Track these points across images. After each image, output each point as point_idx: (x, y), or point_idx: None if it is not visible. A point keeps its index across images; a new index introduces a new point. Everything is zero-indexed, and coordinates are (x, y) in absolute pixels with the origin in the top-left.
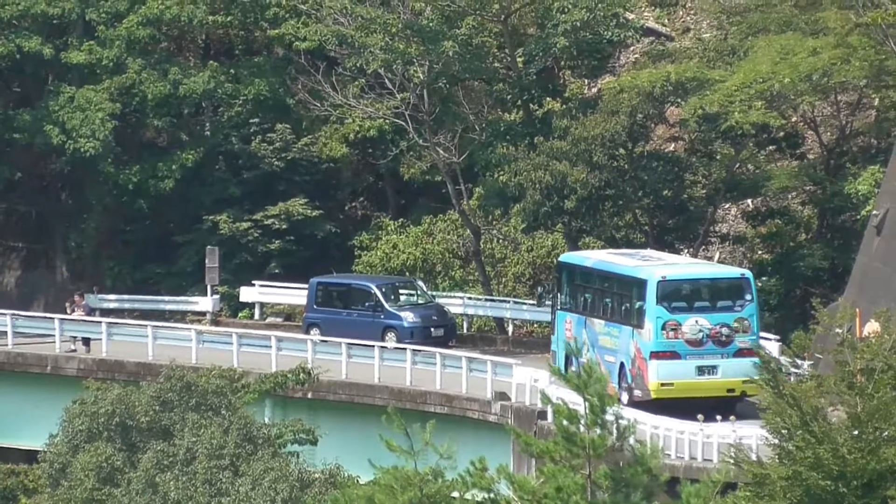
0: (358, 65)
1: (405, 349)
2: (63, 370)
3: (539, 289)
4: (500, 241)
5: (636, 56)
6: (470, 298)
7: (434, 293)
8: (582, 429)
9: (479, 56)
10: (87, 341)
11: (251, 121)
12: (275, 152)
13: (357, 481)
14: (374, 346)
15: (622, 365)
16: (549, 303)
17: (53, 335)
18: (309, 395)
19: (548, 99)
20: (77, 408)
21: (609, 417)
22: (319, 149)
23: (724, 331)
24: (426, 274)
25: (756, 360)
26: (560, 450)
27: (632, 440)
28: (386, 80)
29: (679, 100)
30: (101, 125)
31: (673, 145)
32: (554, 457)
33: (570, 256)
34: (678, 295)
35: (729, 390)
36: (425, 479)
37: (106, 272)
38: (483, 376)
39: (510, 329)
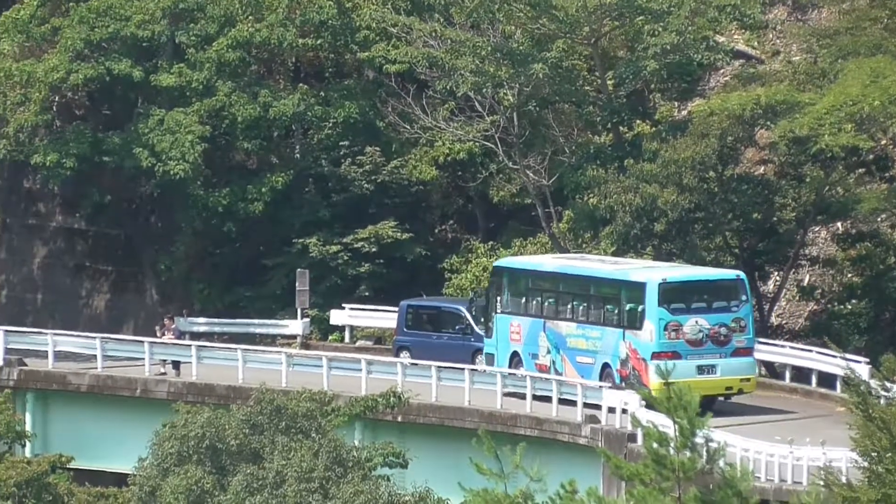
0: (448, 87)
1: (496, 372)
2: (153, 393)
3: (474, 294)
4: None
5: (726, 79)
6: None
7: None
8: (672, 451)
9: (569, 79)
10: (176, 365)
11: (341, 143)
12: (364, 175)
13: None
14: (464, 369)
15: (605, 366)
16: (477, 306)
17: (143, 358)
18: (399, 419)
19: (637, 122)
20: (167, 431)
21: (699, 440)
22: (409, 171)
23: (723, 331)
24: None
25: (751, 358)
26: (650, 472)
27: (722, 463)
28: (476, 103)
29: (769, 122)
30: (190, 147)
31: (763, 168)
32: (644, 479)
33: (511, 261)
34: (677, 296)
35: (727, 388)
36: (515, 502)
37: (195, 295)
38: (573, 398)
39: None
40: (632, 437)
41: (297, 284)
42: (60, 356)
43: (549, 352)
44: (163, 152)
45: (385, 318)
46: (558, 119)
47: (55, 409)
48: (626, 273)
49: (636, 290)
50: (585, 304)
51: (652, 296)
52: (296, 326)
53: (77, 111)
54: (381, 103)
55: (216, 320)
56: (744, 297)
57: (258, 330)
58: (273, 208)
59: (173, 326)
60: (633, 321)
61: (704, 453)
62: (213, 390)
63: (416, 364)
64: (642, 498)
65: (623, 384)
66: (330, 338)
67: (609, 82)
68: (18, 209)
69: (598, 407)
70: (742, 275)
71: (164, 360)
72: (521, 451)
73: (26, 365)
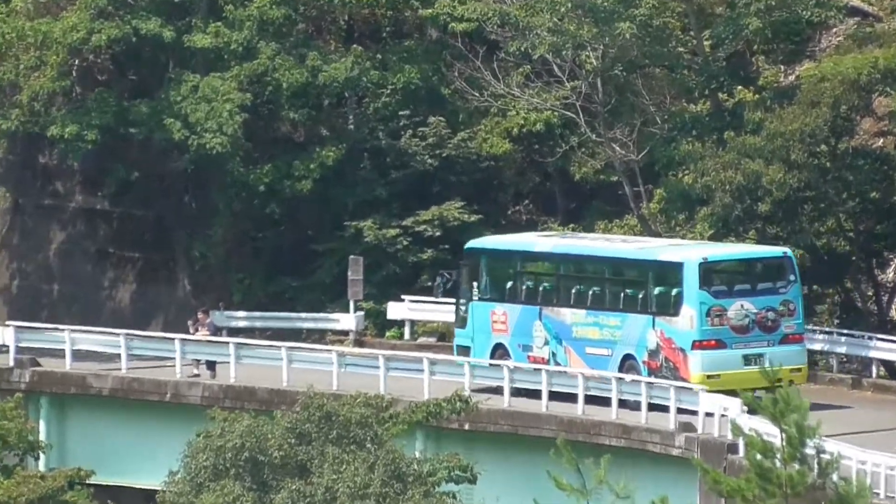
0: (522, 49)
1: (577, 373)
2: (185, 398)
3: (438, 279)
4: None
5: (839, 39)
6: None
7: None
8: (778, 464)
9: (661, 39)
10: (212, 365)
11: (400, 113)
12: (427, 149)
13: None
14: (541, 369)
15: (628, 357)
16: (442, 293)
17: (174, 358)
18: (466, 426)
19: (739, 88)
20: (201, 441)
21: (809, 451)
22: (478, 145)
23: (770, 315)
24: None
25: (801, 346)
26: (753, 488)
27: (835, 477)
28: (554, 67)
29: (888, 89)
30: (228, 118)
31: (881, 141)
32: (746, 496)
33: (489, 242)
34: (719, 278)
35: (777, 381)
36: None
37: (234, 285)
38: (665, 404)
39: None
40: (732, 448)
41: (349, 273)
42: (79, 355)
43: (546, 343)
44: (197, 123)
45: (449, 312)
46: (648, 85)
47: (73, 416)
48: (653, 252)
49: (670, 271)
50: (599, 289)
51: (691, 277)
52: (348, 321)
53: (99, 77)
54: (447, 67)
55: (257, 314)
56: (792, 277)
57: (305, 325)
58: (323, 187)
59: (208, 321)
60: (666, 307)
61: (815, 466)
62: (253, 394)
63: (486, 364)
64: None
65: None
66: (387, 334)
67: (706, 43)
68: (33, 188)
69: (690, 413)
70: (789, 252)
71: (198, 360)
72: (605, 464)
73: (40, 365)
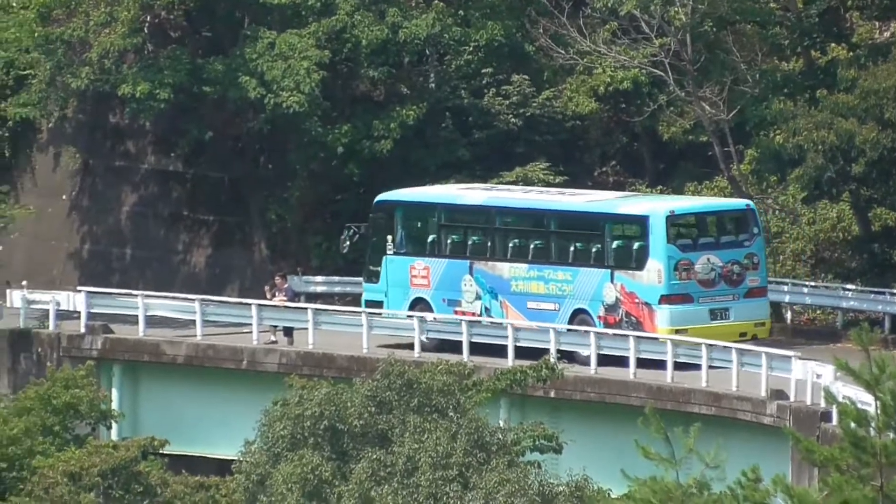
0: (609, 5)
1: (666, 340)
2: (262, 365)
3: (345, 232)
4: (777, 212)
5: None
6: None
7: None
8: (873, 433)
9: None
10: (289, 331)
11: (483, 71)
12: (511, 108)
13: (608, 495)
14: (627, 335)
15: (580, 311)
16: (349, 246)
17: (250, 324)
18: (552, 394)
19: (832, 45)
20: (278, 410)
21: None
22: (564, 104)
23: (736, 268)
24: None
25: (765, 300)
26: (847, 457)
27: None
28: (642, 23)
29: None
30: (306, 76)
31: None
32: (840, 465)
33: (404, 194)
34: (685, 231)
35: (741, 335)
36: (688, 492)
37: (312, 249)
38: (757, 371)
39: (788, 316)
40: (826, 416)
41: None
42: (153, 321)
43: (478, 297)
44: (274, 81)
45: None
46: (739, 42)
47: (146, 385)
48: (611, 205)
49: (632, 224)
50: (544, 243)
51: (658, 230)
52: None
53: (172, 33)
54: (531, 24)
55: (336, 279)
56: (755, 230)
57: None
58: (403, 147)
59: (286, 286)
60: (627, 260)
61: None
62: (332, 361)
63: (572, 329)
64: (838, 487)
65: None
66: None
67: None
68: (103, 149)
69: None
70: (752, 204)
71: (276, 327)
72: (695, 433)
73: (112, 332)
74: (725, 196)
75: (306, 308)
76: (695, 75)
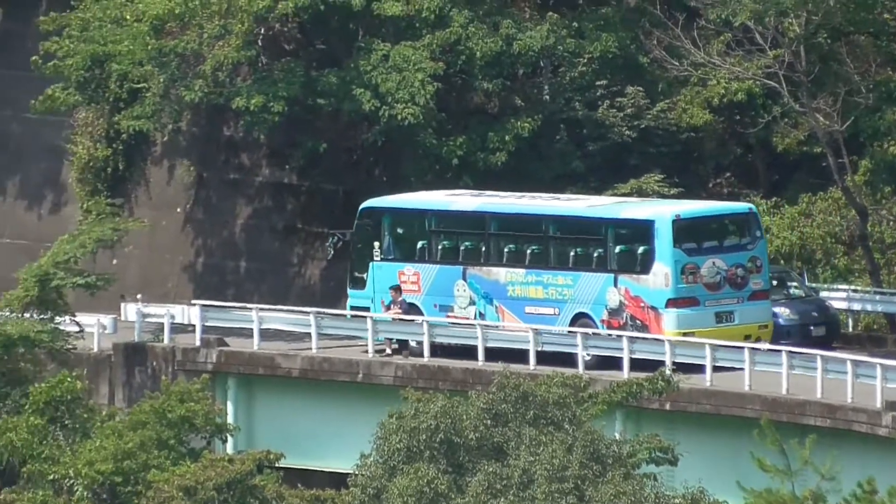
0: (723, 16)
1: (781, 351)
2: (377, 378)
3: (331, 238)
4: (892, 223)
5: None
6: (855, 291)
7: (813, 285)
8: None
9: (866, 5)
10: (405, 344)
11: (597, 83)
12: (625, 120)
13: None
14: (743, 347)
15: (581, 316)
16: (333, 253)
17: (365, 337)
18: (667, 406)
19: None
20: (394, 423)
21: None
22: (678, 115)
23: (740, 272)
24: (804, 262)
25: (767, 303)
26: None
27: None
28: (756, 35)
29: None
30: (420, 88)
31: None
32: None
33: (391, 201)
34: (690, 235)
35: (745, 337)
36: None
37: None
38: (872, 383)
39: None
40: None
41: None
42: (268, 335)
43: (472, 302)
44: (388, 94)
45: None
46: (853, 53)
47: (261, 398)
48: (614, 209)
49: (637, 228)
50: (542, 248)
51: (664, 234)
52: None
53: (286, 46)
54: (645, 35)
55: None
56: (758, 233)
57: None
58: (517, 159)
59: (401, 299)
60: (632, 264)
61: None
62: (448, 374)
63: (687, 341)
64: None
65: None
66: None
67: None
68: (217, 161)
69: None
70: (754, 207)
71: (391, 339)
72: (810, 444)
73: (227, 345)
74: (840, 207)
75: (421, 321)
76: (809, 86)
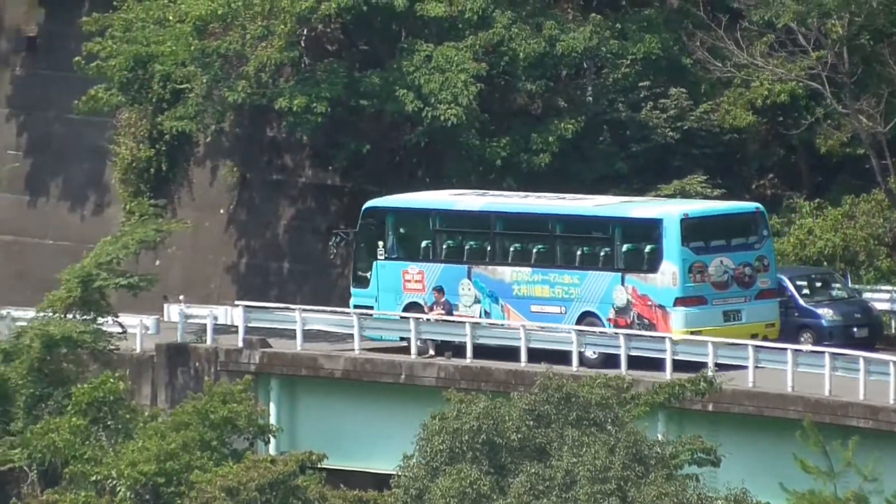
0: (766, 18)
1: (823, 352)
2: (419, 379)
3: (334, 238)
4: None
5: None
6: None
7: (856, 286)
8: None
9: None
10: (448, 345)
11: (640, 84)
12: (668, 121)
13: None
14: (786, 348)
15: (588, 314)
16: (335, 251)
17: (408, 338)
18: (710, 408)
19: None
20: (436, 424)
21: None
22: (721, 117)
23: (748, 271)
24: (847, 264)
25: (775, 301)
26: None
27: None
28: (799, 36)
29: None
30: (463, 89)
31: None
32: None
33: (394, 201)
34: (698, 234)
35: (752, 336)
36: None
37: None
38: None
39: None
40: None
41: None
42: (310, 336)
43: (477, 301)
44: (431, 95)
45: None
46: None
47: (304, 399)
48: (622, 209)
49: (645, 227)
50: (549, 247)
51: (672, 233)
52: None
53: (329, 47)
54: (688, 37)
55: None
56: (765, 233)
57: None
58: (561, 160)
59: (443, 300)
60: (639, 263)
61: None
62: (490, 375)
63: (729, 343)
64: None
65: None
66: None
67: None
68: (260, 162)
69: None
70: (761, 207)
71: (434, 341)
72: (853, 446)
73: (270, 346)
74: (883, 209)
75: (464, 322)
76: (852, 88)
